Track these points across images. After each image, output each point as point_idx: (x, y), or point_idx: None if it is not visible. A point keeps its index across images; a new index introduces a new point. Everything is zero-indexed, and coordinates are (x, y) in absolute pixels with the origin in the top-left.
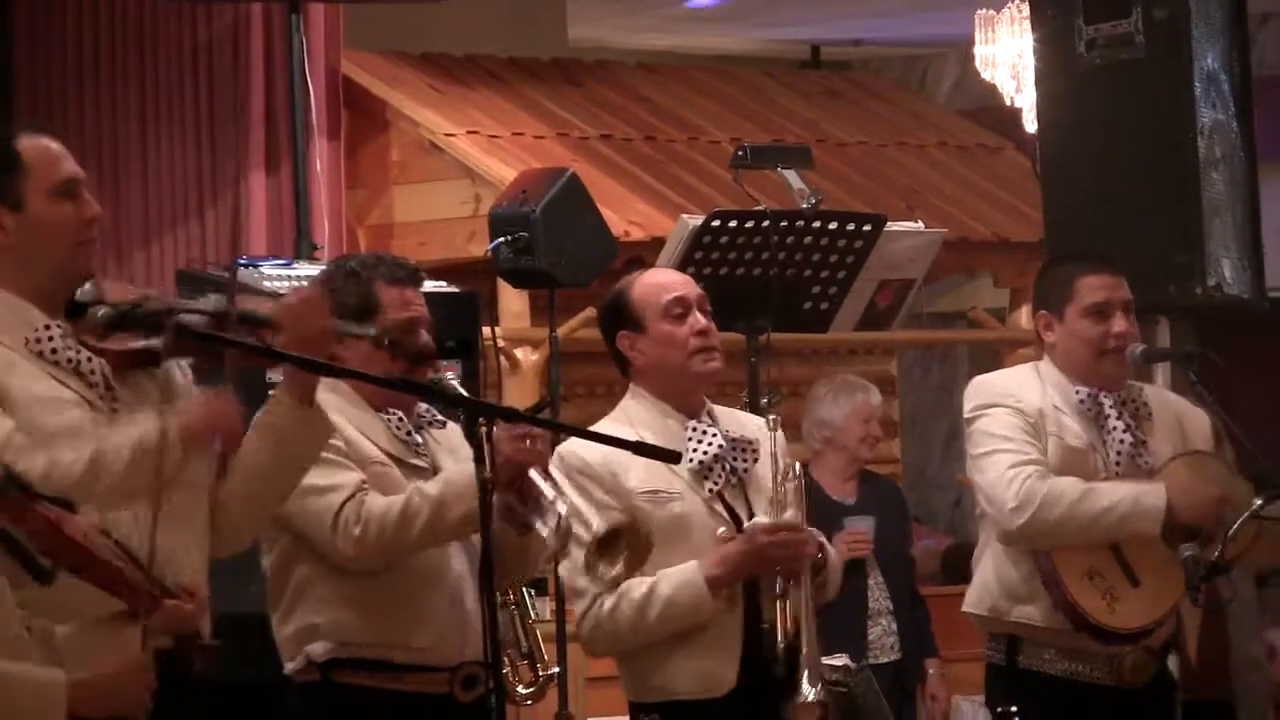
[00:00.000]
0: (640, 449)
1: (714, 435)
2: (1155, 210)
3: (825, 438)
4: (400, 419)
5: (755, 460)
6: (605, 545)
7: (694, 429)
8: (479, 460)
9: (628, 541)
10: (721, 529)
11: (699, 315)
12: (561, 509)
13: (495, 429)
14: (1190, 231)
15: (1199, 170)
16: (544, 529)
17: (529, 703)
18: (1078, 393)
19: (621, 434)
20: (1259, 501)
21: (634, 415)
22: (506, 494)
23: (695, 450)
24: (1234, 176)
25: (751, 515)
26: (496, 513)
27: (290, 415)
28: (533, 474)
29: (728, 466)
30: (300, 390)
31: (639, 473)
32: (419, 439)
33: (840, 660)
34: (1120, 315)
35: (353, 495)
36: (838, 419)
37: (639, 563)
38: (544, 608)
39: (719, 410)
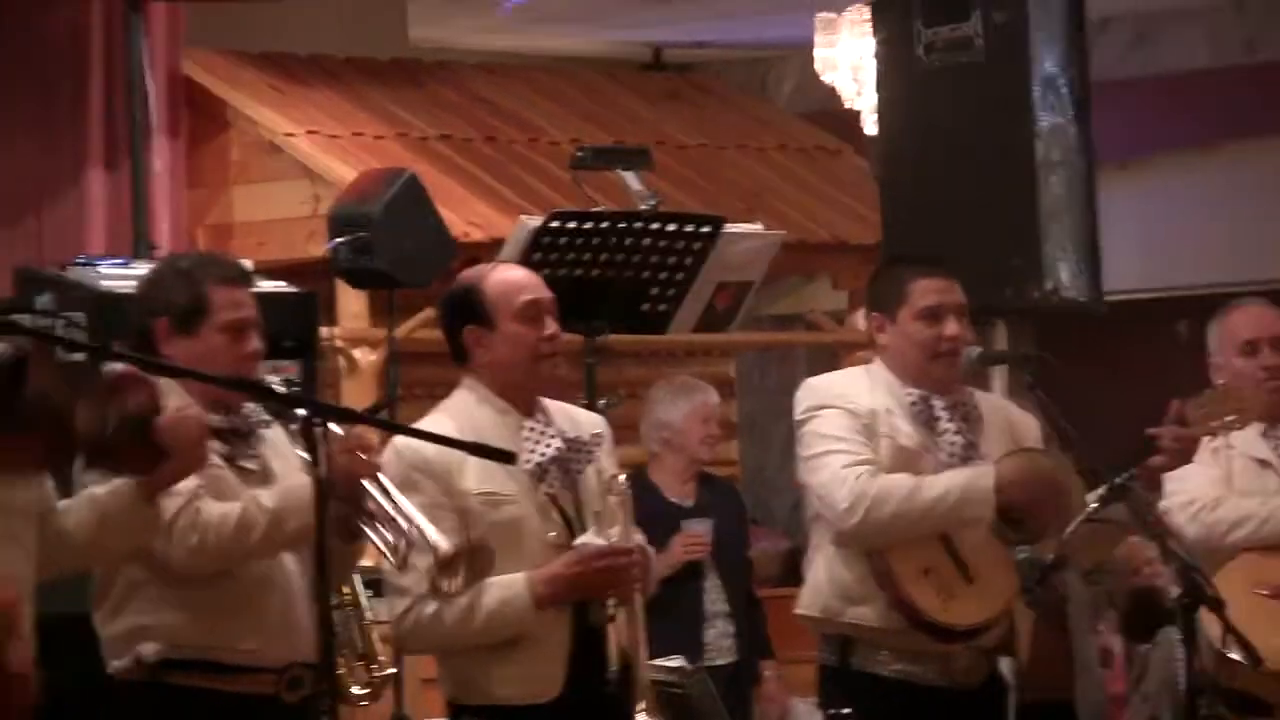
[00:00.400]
0: (477, 450)
1: (552, 437)
2: (993, 213)
3: (664, 439)
4: (226, 416)
5: (590, 461)
6: (448, 561)
7: (531, 429)
8: (314, 460)
9: (471, 559)
10: (553, 533)
11: (550, 321)
12: (403, 524)
13: (330, 440)
14: (1027, 234)
15: (1036, 173)
16: (383, 542)
17: (364, 704)
18: (909, 395)
19: (456, 428)
20: (1094, 504)
21: (469, 409)
22: (338, 503)
23: (533, 452)
24: (1071, 180)
25: (581, 517)
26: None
27: (129, 506)
28: (367, 485)
29: (564, 468)
30: (149, 489)
31: (475, 472)
32: (248, 444)
33: (676, 662)
34: (952, 319)
35: (188, 502)
36: (677, 420)
37: (480, 578)
38: (379, 608)
39: (552, 407)
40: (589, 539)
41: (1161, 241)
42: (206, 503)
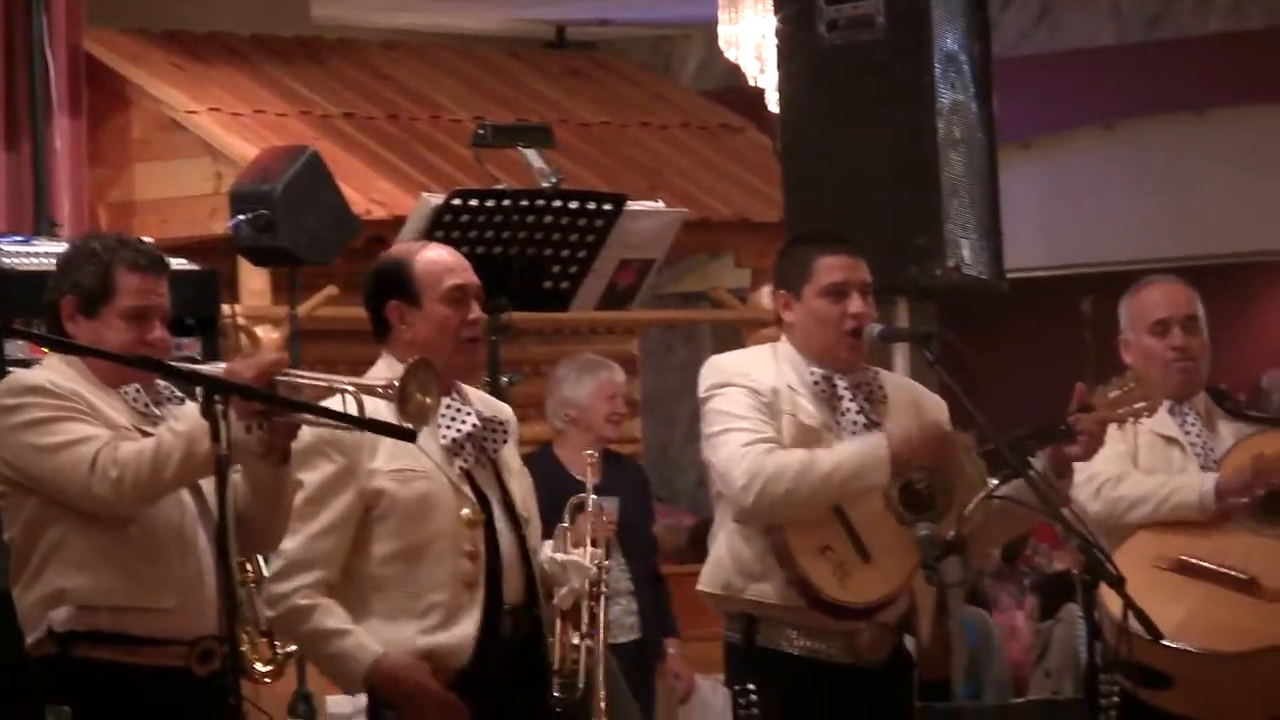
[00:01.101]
0: (374, 427)
1: (468, 414)
2: (895, 191)
3: (570, 417)
4: (138, 390)
5: (505, 441)
6: (402, 389)
7: (447, 406)
8: (215, 438)
9: (419, 380)
10: (466, 509)
11: (475, 306)
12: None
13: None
14: (930, 212)
15: (938, 151)
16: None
17: (267, 680)
18: (812, 373)
19: (365, 404)
20: (994, 482)
21: None
22: (262, 420)
23: (449, 428)
24: (973, 158)
25: (506, 494)
26: (254, 451)
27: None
28: (283, 379)
29: (479, 445)
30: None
31: (388, 448)
32: (158, 412)
33: (578, 639)
34: (857, 296)
35: (106, 444)
36: (582, 398)
37: (433, 387)
38: None
39: (468, 390)
40: (562, 556)
41: (1065, 219)
42: (124, 442)
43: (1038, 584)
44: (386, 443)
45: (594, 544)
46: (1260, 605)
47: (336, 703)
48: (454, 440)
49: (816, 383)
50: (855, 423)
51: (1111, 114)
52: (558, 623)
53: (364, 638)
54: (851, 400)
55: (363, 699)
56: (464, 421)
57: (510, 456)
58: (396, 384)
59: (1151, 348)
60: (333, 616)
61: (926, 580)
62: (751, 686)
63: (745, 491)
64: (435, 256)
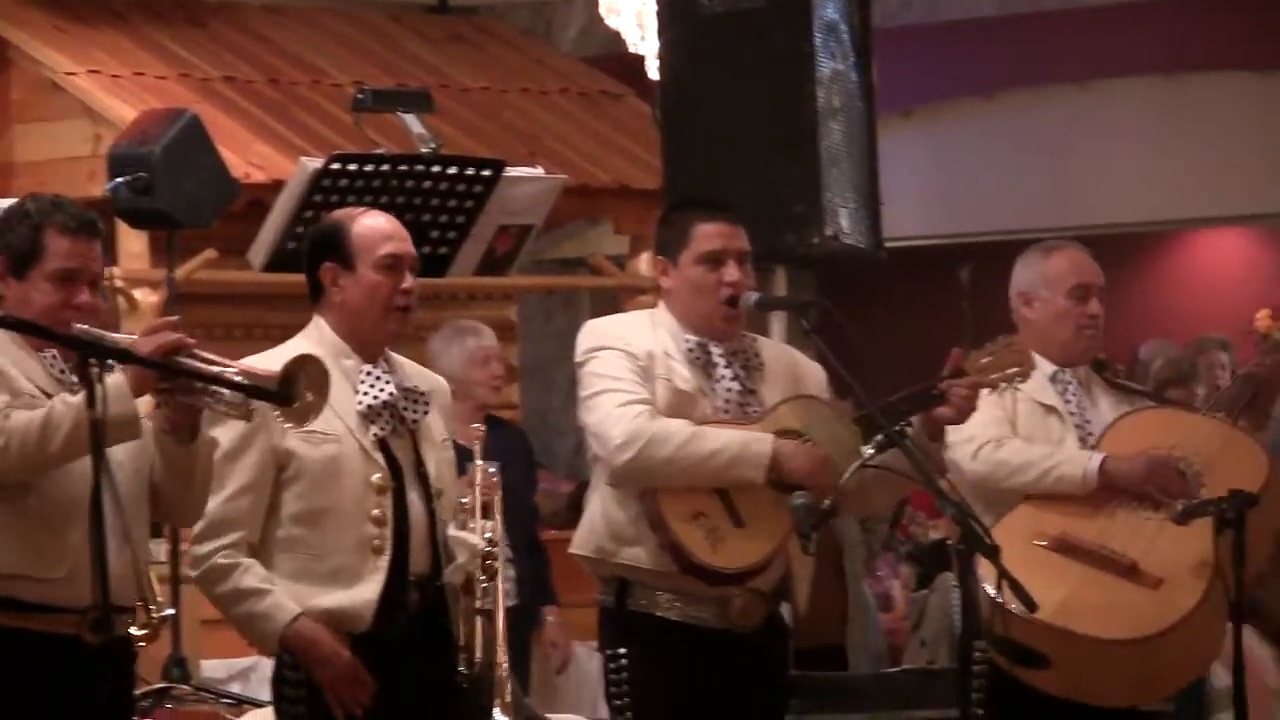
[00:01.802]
0: (250, 391)
1: (386, 382)
2: (774, 159)
3: (450, 389)
4: (54, 357)
5: (425, 412)
6: (286, 381)
7: (368, 373)
8: (90, 403)
9: (308, 376)
10: (376, 475)
11: (409, 276)
12: (235, 375)
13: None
14: (808, 181)
15: (818, 120)
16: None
17: (142, 644)
18: (687, 340)
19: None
20: (870, 450)
21: (306, 349)
22: (166, 398)
23: (366, 395)
24: (852, 127)
25: (420, 466)
26: (161, 432)
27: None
28: (183, 360)
29: (397, 414)
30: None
31: None
32: (74, 378)
33: (478, 605)
34: (734, 264)
35: None
36: (456, 367)
37: (325, 393)
38: (158, 550)
39: (398, 360)
40: (456, 533)
41: (944, 189)
42: (16, 411)
43: (914, 553)
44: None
45: (485, 515)
46: (1139, 591)
47: (211, 667)
48: (369, 407)
49: (691, 349)
50: (730, 389)
51: (993, 84)
52: (462, 596)
53: (281, 598)
54: (727, 367)
55: (237, 663)
56: (382, 389)
57: (433, 427)
58: (280, 375)
59: (1067, 310)
60: (251, 576)
61: (802, 549)
62: (622, 651)
63: (621, 451)
64: (373, 223)
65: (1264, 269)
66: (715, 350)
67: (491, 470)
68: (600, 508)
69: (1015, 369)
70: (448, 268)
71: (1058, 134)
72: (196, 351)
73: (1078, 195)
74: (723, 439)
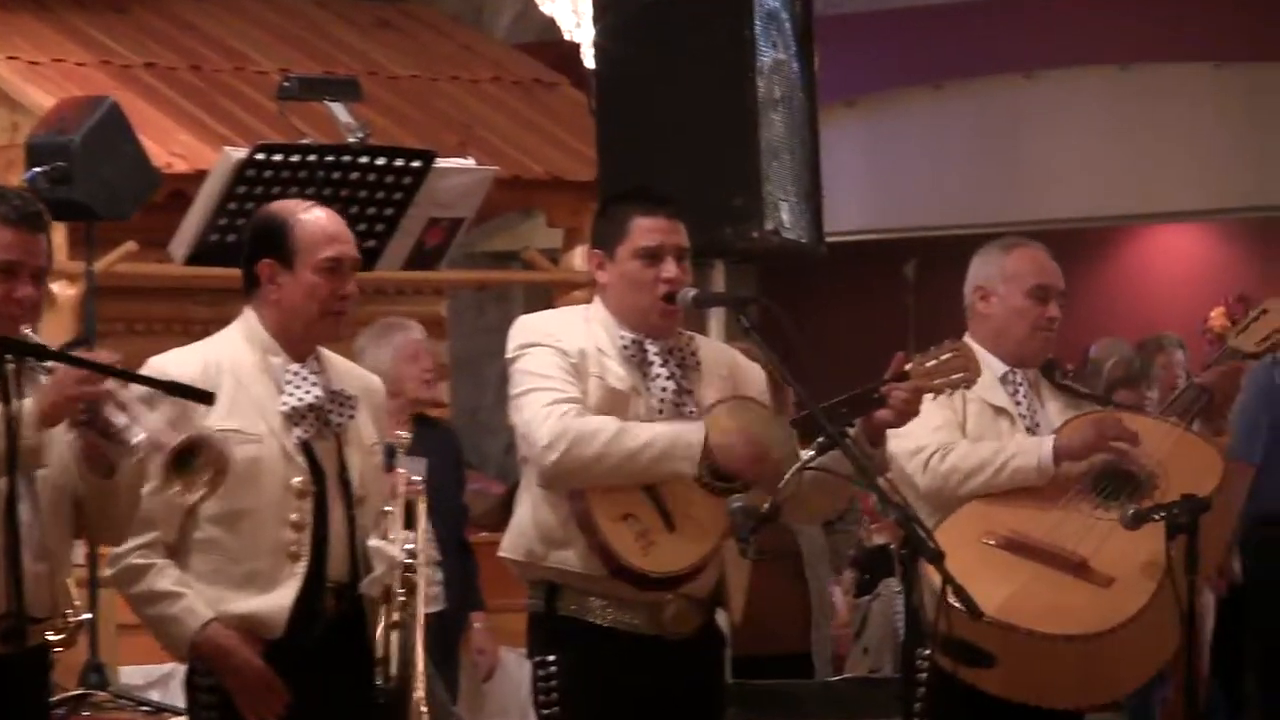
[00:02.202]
0: (172, 389)
1: (313, 384)
2: (712, 151)
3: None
4: None
5: (352, 416)
6: (183, 462)
7: (295, 373)
8: (4, 399)
9: (206, 459)
10: (297, 478)
11: (350, 279)
12: (139, 435)
13: (58, 372)
14: (748, 173)
15: (758, 111)
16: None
17: (59, 650)
18: (622, 337)
19: (203, 363)
20: (810, 453)
21: (234, 345)
22: (85, 434)
23: (290, 396)
24: (794, 118)
25: (344, 471)
26: (79, 458)
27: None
28: (102, 406)
29: (322, 417)
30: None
31: (223, 407)
32: None
33: (395, 618)
34: (672, 261)
35: None
36: (385, 364)
37: (221, 480)
38: (75, 553)
39: (330, 359)
40: (375, 543)
41: (889, 181)
42: None
43: (856, 558)
44: (222, 400)
45: (406, 525)
46: (1088, 589)
47: (130, 673)
48: (294, 409)
49: (626, 347)
50: (665, 389)
51: (939, 74)
52: (381, 608)
53: (194, 602)
54: (662, 366)
55: (155, 670)
56: (308, 391)
57: (361, 431)
58: (176, 446)
59: (1025, 310)
60: (165, 578)
61: (740, 553)
62: (552, 658)
63: (548, 451)
64: (318, 222)
65: (1217, 266)
66: (651, 348)
67: (415, 478)
68: (530, 509)
69: (960, 374)
70: (376, 261)
71: (1006, 125)
72: (114, 393)
73: (1026, 189)
74: (651, 432)
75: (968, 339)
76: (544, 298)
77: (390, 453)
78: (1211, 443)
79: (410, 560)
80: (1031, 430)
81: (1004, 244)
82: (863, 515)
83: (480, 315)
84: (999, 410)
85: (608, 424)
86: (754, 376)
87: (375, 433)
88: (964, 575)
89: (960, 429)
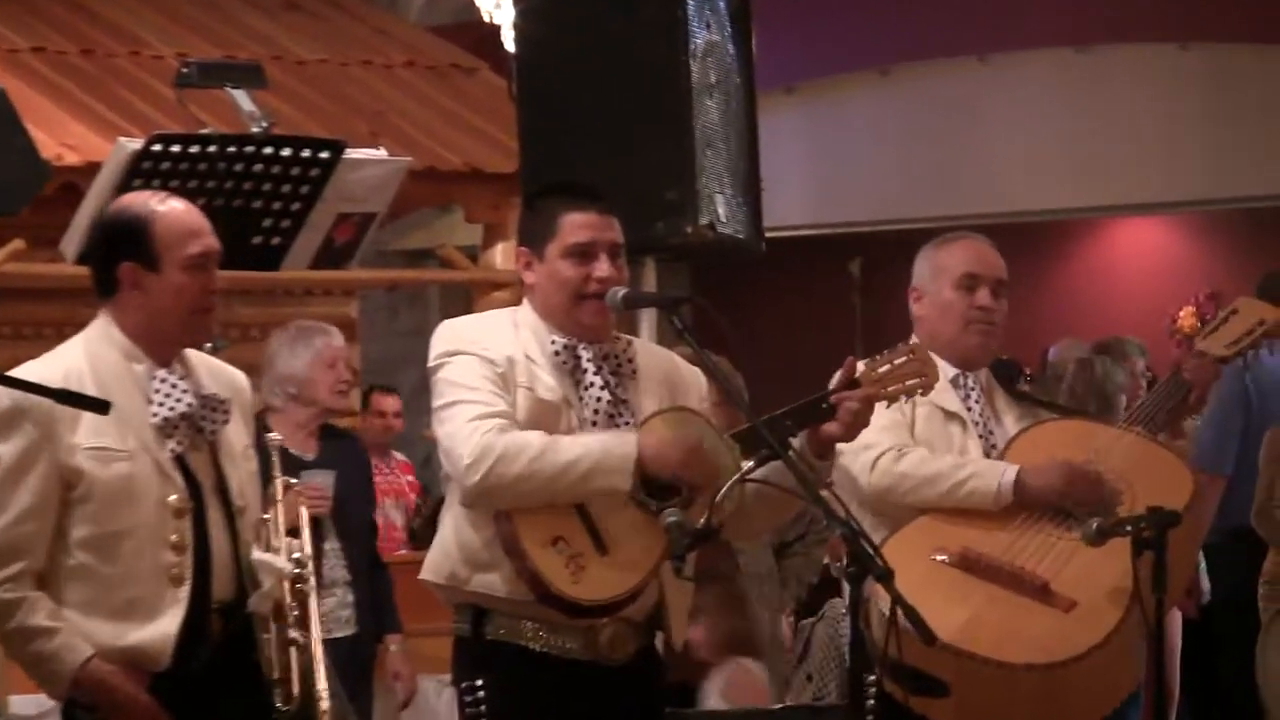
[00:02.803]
0: (65, 398)
1: (184, 390)
2: (643, 140)
3: (290, 394)
4: None
5: (225, 421)
6: None
7: (162, 380)
8: None
9: None
10: (173, 495)
11: (214, 272)
12: None
13: None
14: (681, 164)
15: (691, 97)
16: None
17: None
18: (553, 342)
19: (64, 371)
20: (750, 465)
21: (96, 351)
22: None
23: (161, 405)
24: (730, 105)
25: (222, 483)
26: None
27: None
28: None
29: (195, 426)
30: None
31: (90, 422)
32: None
33: (291, 634)
34: (605, 259)
35: None
36: (300, 370)
37: None
38: None
39: (194, 359)
40: (260, 556)
41: (833, 173)
42: None
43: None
44: (88, 417)
45: (292, 534)
46: (1049, 613)
47: (21, 703)
48: (165, 420)
49: (558, 353)
50: (599, 398)
51: (885, 57)
52: (272, 625)
53: (71, 637)
54: (596, 373)
55: (48, 700)
56: (179, 399)
57: (233, 437)
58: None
59: (952, 302)
60: (39, 612)
61: (675, 572)
62: (480, 681)
63: (471, 470)
64: (179, 218)
65: (1184, 261)
66: (585, 354)
67: (322, 481)
68: (453, 530)
69: (915, 379)
70: (281, 260)
71: (957, 113)
72: None
73: (979, 180)
74: (580, 446)
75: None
76: (462, 299)
77: (300, 465)
78: (1179, 455)
79: (300, 570)
80: (985, 438)
81: (940, 239)
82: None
83: (393, 318)
84: (950, 415)
85: (534, 439)
86: (695, 383)
87: (246, 434)
88: (914, 595)
89: (909, 432)
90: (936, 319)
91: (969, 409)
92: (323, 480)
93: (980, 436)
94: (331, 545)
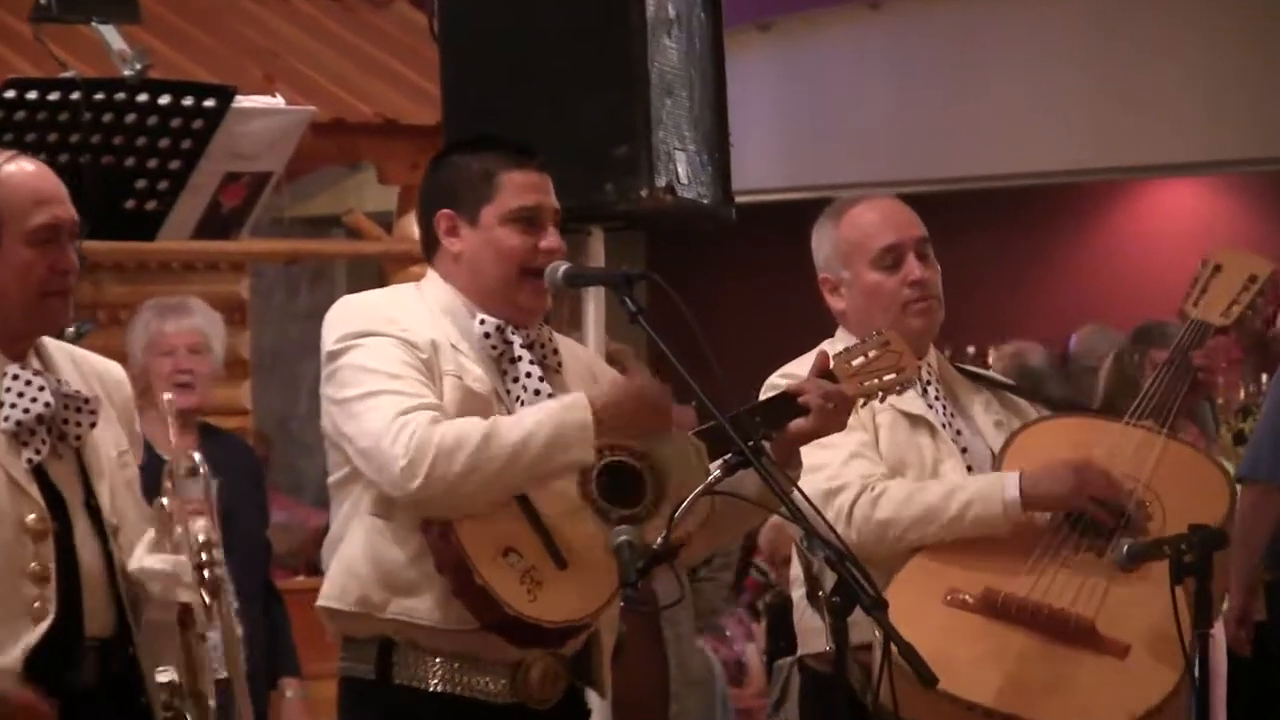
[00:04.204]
0: None
1: (40, 388)
2: (588, 86)
3: (141, 385)
4: None
5: (93, 423)
6: None
7: (14, 377)
8: None
9: None
10: (31, 515)
11: (70, 251)
12: None
13: None
14: (633, 115)
15: (646, 34)
16: None
17: None
18: (482, 323)
19: None
20: (716, 473)
21: None
22: None
23: (14, 408)
24: (692, 44)
25: (90, 496)
26: None
27: None
28: None
29: (56, 430)
30: None
31: None
32: None
33: (167, 675)
34: (551, 226)
35: None
36: (136, 357)
37: None
38: None
39: (54, 349)
40: (141, 565)
41: (813, 126)
42: None
43: (771, 606)
44: None
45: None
46: (1106, 663)
47: None
48: (19, 424)
49: (488, 335)
50: (538, 390)
51: None
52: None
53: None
54: (531, 362)
55: None
56: (34, 399)
57: (103, 441)
58: None
59: (881, 286)
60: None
61: (623, 600)
62: None
63: (409, 474)
64: (23, 181)
65: (1223, 228)
66: (516, 338)
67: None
68: (363, 545)
69: (894, 374)
70: (158, 229)
71: (960, 54)
72: None
73: (984, 136)
74: (527, 423)
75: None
76: (374, 275)
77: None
78: (1207, 453)
79: (205, 556)
80: (956, 441)
81: (832, 211)
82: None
83: (292, 298)
84: (916, 420)
85: (471, 427)
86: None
87: (124, 436)
88: (934, 652)
89: (875, 448)
90: (864, 309)
91: (932, 407)
92: (198, 492)
93: (952, 440)
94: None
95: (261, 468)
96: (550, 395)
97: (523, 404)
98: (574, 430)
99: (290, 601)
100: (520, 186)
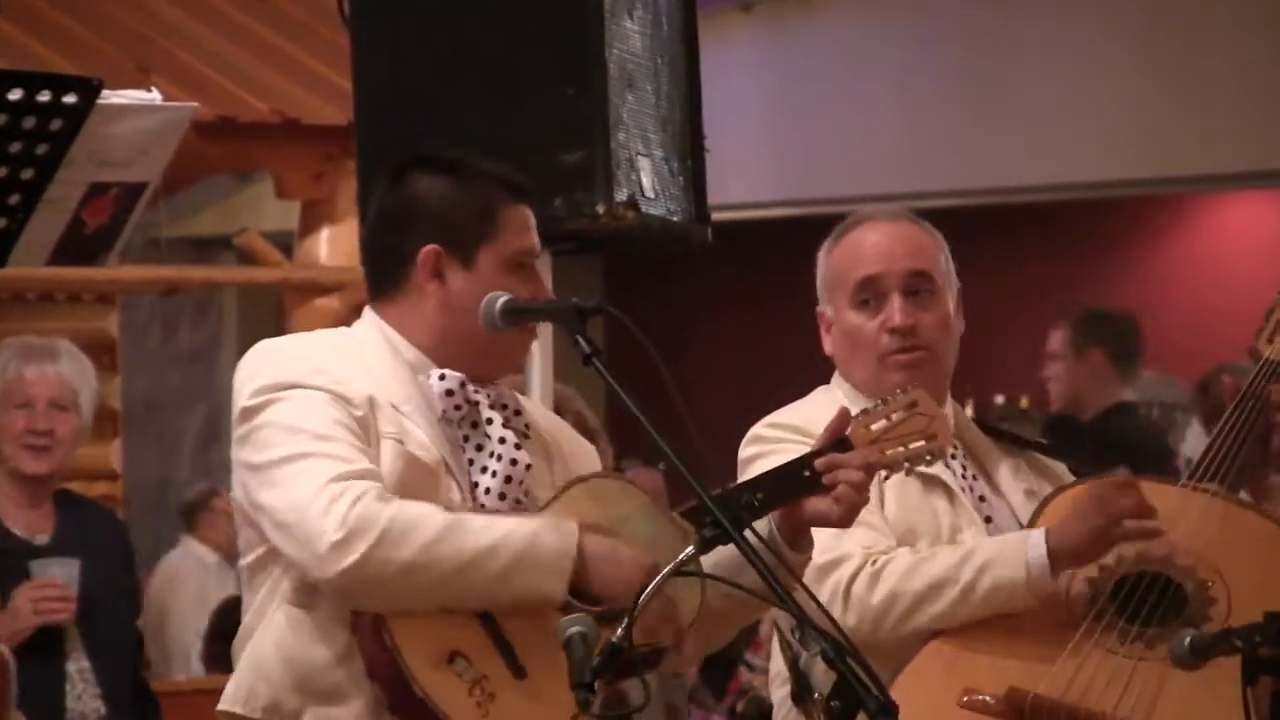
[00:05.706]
0: None
1: None
2: (534, 80)
3: None
4: None
5: None
6: None
7: None
8: None
9: None
10: None
11: None
12: None
13: None
14: (587, 114)
15: (604, 17)
16: None
17: None
18: (443, 378)
19: None
20: (690, 551)
21: None
22: None
23: None
24: (660, 28)
25: None
26: None
27: None
28: None
29: None
30: None
31: None
32: None
33: None
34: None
35: None
36: None
37: None
38: None
39: None
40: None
41: (804, 129)
42: None
43: (753, 715)
44: None
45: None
46: None
47: None
48: None
49: (451, 392)
50: (513, 460)
51: None
52: None
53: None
54: (505, 425)
55: None
56: None
57: None
58: None
59: (860, 330)
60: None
61: (581, 706)
62: None
63: (338, 552)
64: None
65: None
66: (483, 398)
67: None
68: (275, 640)
69: (922, 441)
70: (8, 251)
71: (980, 43)
72: None
73: (1012, 141)
74: (499, 530)
75: None
76: (270, 308)
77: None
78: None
79: None
80: (979, 509)
81: (838, 230)
82: (758, 653)
83: (170, 336)
84: (929, 480)
85: (431, 515)
86: (585, 457)
87: None
88: None
89: (880, 514)
90: (845, 356)
91: (949, 467)
92: (62, 573)
93: (974, 507)
94: (77, 666)
95: (132, 545)
96: (528, 466)
97: (492, 475)
98: (549, 557)
99: (176, 705)
100: (520, 225)
